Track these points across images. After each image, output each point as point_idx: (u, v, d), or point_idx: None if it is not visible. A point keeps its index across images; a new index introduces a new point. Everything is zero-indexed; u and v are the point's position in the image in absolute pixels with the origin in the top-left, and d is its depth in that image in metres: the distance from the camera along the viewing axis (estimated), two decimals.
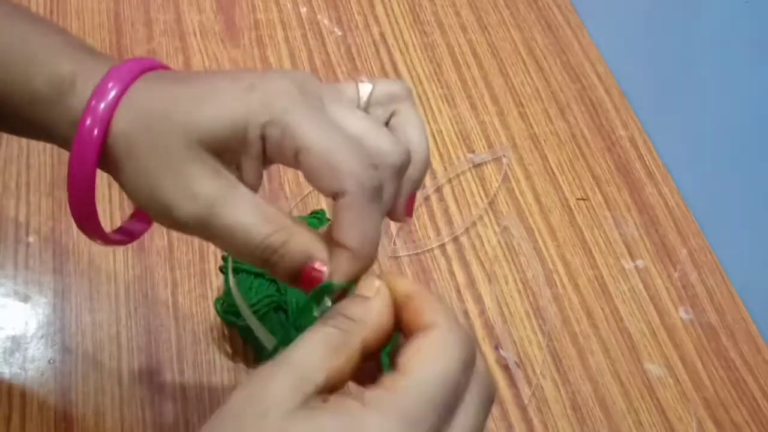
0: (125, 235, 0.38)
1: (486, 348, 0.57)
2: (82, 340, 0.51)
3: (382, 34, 0.74)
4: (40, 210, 0.56)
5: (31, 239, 0.55)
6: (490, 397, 0.29)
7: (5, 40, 0.32)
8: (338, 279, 0.31)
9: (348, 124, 0.31)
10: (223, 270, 0.52)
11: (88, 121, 0.30)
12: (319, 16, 0.74)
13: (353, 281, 0.31)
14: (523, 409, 0.55)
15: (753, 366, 0.61)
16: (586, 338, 0.59)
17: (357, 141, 0.31)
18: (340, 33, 0.73)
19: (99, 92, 0.31)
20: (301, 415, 0.26)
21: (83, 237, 0.56)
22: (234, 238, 0.30)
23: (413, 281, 0.31)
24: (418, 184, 0.35)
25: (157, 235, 0.56)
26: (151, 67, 0.33)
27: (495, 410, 0.54)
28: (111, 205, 0.56)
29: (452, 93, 0.72)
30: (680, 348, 0.60)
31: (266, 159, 0.32)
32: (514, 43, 0.77)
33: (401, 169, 0.33)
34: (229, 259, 0.51)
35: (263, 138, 0.30)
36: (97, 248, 0.55)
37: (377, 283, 0.30)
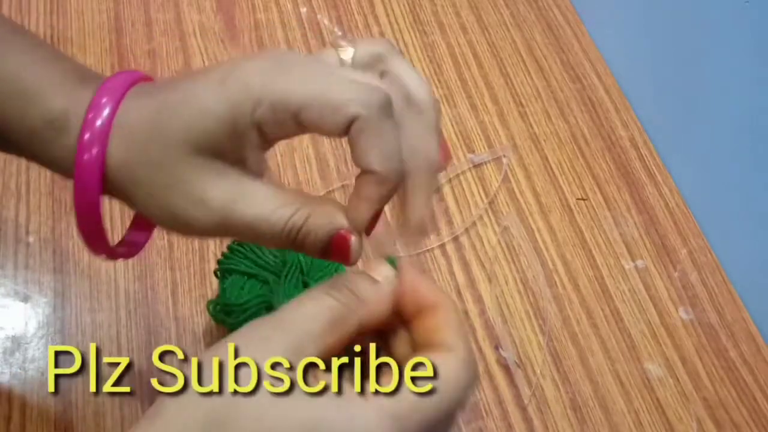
0: (129, 247, 0.38)
1: (486, 348, 0.57)
2: (82, 340, 0.51)
3: (382, 34, 0.74)
4: (40, 210, 0.56)
5: (31, 239, 0.55)
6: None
7: (2, 75, 0.32)
8: (369, 206, 0.30)
9: (330, 72, 0.31)
10: (217, 274, 0.52)
11: (85, 157, 0.30)
12: (319, 16, 0.74)
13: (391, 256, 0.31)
14: (523, 409, 0.55)
15: (753, 366, 0.61)
16: (586, 338, 0.59)
17: (346, 78, 0.30)
18: (340, 33, 0.73)
19: (86, 126, 0.30)
20: (301, 396, 0.26)
21: None
22: (257, 230, 0.30)
23: (428, 280, 0.31)
24: (437, 128, 0.34)
25: (157, 235, 0.56)
26: (133, 80, 0.32)
27: (495, 410, 0.54)
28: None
29: (452, 93, 0.72)
30: (680, 348, 0.60)
31: (266, 140, 0.31)
32: (514, 43, 0.77)
33: (427, 100, 0.32)
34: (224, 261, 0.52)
35: (257, 123, 0.30)
36: None
37: (388, 270, 0.30)
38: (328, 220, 0.31)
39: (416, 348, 0.30)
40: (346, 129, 0.29)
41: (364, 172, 0.30)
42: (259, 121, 0.30)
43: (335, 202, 0.32)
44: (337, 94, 0.29)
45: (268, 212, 0.30)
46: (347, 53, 0.32)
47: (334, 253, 0.31)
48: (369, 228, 0.32)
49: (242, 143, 0.30)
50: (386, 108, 0.30)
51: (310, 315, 0.28)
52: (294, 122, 0.30)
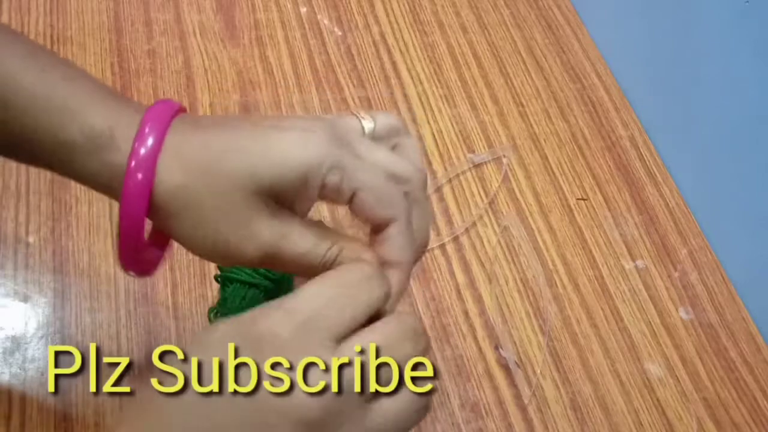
0: (149, 265, 0.38)
1: (486, 348, 0.57)
2: (82, 340, 0.51)
3: (382, 34, 0.74)
4: (40, 210, 0.56)
5: (31, 239, 0.55)
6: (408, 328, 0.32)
7: (39, 88, 0.33)
8: (396, 292, 0.34)
9: (376, 157, 0.35)
10: (217, 279, 0.52)
11: (139, 176, 0.32)
12: (319, 16, 0.74)
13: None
14: (523, 409, 0.55)
15: (753, 366, 0.61)
16: (586, 338, 0.59)
17: (389, 172, 0.35)
18: (340, 33, 0.73)
19: (138, 146, 0.32)
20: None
21: (83, 237, 0.56)
22: (298, 264, 0.34)
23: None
24: (431, 214, 0.40)
25: None
26: (175, 110, 0.34)
27: (495, 410, 0.54)
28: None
29: (452, 93, 0.72)
30: (680, 348, 0.60)
31: (318, 197, 0.34)
32: (514, 43, 0.77)
33: (425, 185, 0.37)
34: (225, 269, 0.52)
35: (322, 185, 0.33)
36: (97, 248, 0.55)
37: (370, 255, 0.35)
38: (357, 254, 0.35)
39: None
40: (380, 226, 0.34)
41: (391, 264, 0.35)
42: (326, 183, 0.33)
43: (361, 239, 0.36)
44: (390, 194, 0.34)
45: (309, 248, 0.34)
46: (368, 124, 0.37)
47: None
48: None
49: (303, 193, 0.33)
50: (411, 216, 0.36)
51: (335, 305, 0.31)
52: (349, 196, 0.34)
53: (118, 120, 0.33)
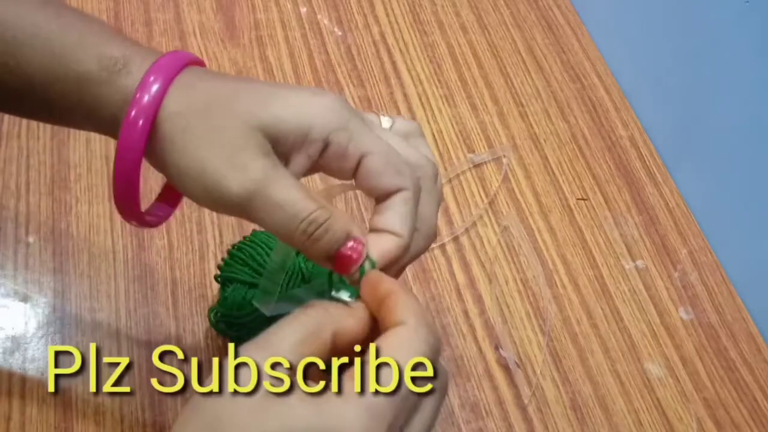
0: (155, 218, 0.39)
1: (486, 348, 0.57)
2: (82, 340, 0.51)
3: (382, 34, 0.74)
4: (40, 210, 0.56)
5: (31, 239, 0.55)
6: (444, 393, 0.31)
7: (54, 26, 0.34)
8: (383, 258, 0.33)
9: (388, 140, 0.35)
10: (217, 279, 0.52)
11: (145, 98, 0.32)
12: (319, 16, 0.74)
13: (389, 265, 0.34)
14: (523, 409, 0.55)
15: (753, 366, 0.61)
16: (586, 338, 0.59)
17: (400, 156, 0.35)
18: (340, 33, 0.73)
19: (153, 71, 0.33)
20: (277, 401, 0.27)
21: (83, 237, 0.56)
22: (282, 212, 0.32)
23: (394, 281, 0.33)
24: (439, 202, 0.39)
25: (157, 235, 0.56)
26: (192, 60, 0.35)
27: (495, 410, 0.54)
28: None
29: (452, 93, 0.72)
30: (680, 348, 0.61)
31: (317, 162, 0.34)
32: (514, 43, 0.77)
33: (435, 176, 0.37)
34: (226, 268, 0.51)
35: (326, 142, 0.33)
36: (97, 248, 0.55)
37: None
38: (346, 226, 0.33)
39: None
40: (386, 195, 0.34)
41: (385, 232, 0.34)
42: (331, 141, 0.33)
43: (350, 216, 0.34)
44: (399, 161, 0.34)
45: (297, 198, 0.32)
46: (386, 122, 0.38)
47: (338, 261, 0.33)
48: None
49: (301, 147, 0.33)
50: (419, 193, 0.35)
51: (284, 332, 0.30)
52: (355, 159, 0.33)
53: (134, 51, 0.34)
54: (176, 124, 0.33)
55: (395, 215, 0.34)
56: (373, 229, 0.35)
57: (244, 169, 0.32)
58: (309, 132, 0.33)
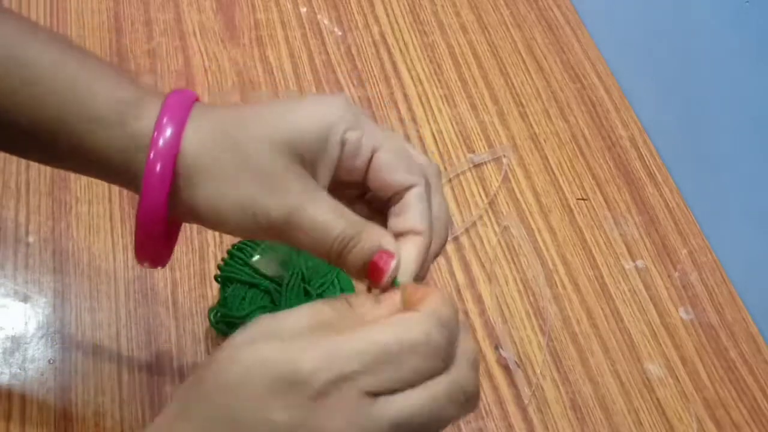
0: (162, 255, 0.39)
1: (486, 348, 0.57)
2: (82, 340, 0.51)
3: (382, 34, 0.74)
4: (40, 210, 0.56)
5: (31, 239, 0.55)
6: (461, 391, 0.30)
7: (71, 67, 0.34)
8: (413, 262, 0.34)
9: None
10: (217, 279, 0.52)
11: (161, 142, 0.32)
12: (319, 16, 0.74)
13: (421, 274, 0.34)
14: (523, 409, 0.55)
15: (753, 366, 0.61)
16: (586, 338, 0.59)
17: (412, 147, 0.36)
18: (340, 33, 0.73)
19: (166, 112, 0.33)
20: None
21: (83, 237, 0.56)
22: (316, 232, 0.33)
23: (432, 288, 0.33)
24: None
25: None
26: (196, 96, 0.36)
27: (495, 410, 0.54)
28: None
29: (452, 93, 0.72)
30: (680, 348, 0.60)
31: (338, 167, 0.34)
32: (514, 43, 0.77)
33: (440, 177, 0.37)
34: (227, 268, 0.51)
35: (343, 141, 0.34)
36: (98, 248, 0.55)
37: (396, 298, 0.32)
38: (377, 238, 0.33)
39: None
40: (398, 192, 0.34)
41: (410, 233, 0.34)
42: (346, 140, 0.34)
43: (382, 227, 0.34)
44: (411, 156, 0.35)
45: (330, 218, 0.33)
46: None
47: (371, 272, 0.33)
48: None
49: (323, 155, 0.33)
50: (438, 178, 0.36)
51: (296, 316, 0.30)
52: (368, 155, 0.34)
53: (143, 94, 0.34)
54: (200, 159, 0.33)
55: (415, 213, 0.34)
56: (396, 233, 0.35)
57: (285, 192, 0.32)
58: (329, 134, 0.33)
